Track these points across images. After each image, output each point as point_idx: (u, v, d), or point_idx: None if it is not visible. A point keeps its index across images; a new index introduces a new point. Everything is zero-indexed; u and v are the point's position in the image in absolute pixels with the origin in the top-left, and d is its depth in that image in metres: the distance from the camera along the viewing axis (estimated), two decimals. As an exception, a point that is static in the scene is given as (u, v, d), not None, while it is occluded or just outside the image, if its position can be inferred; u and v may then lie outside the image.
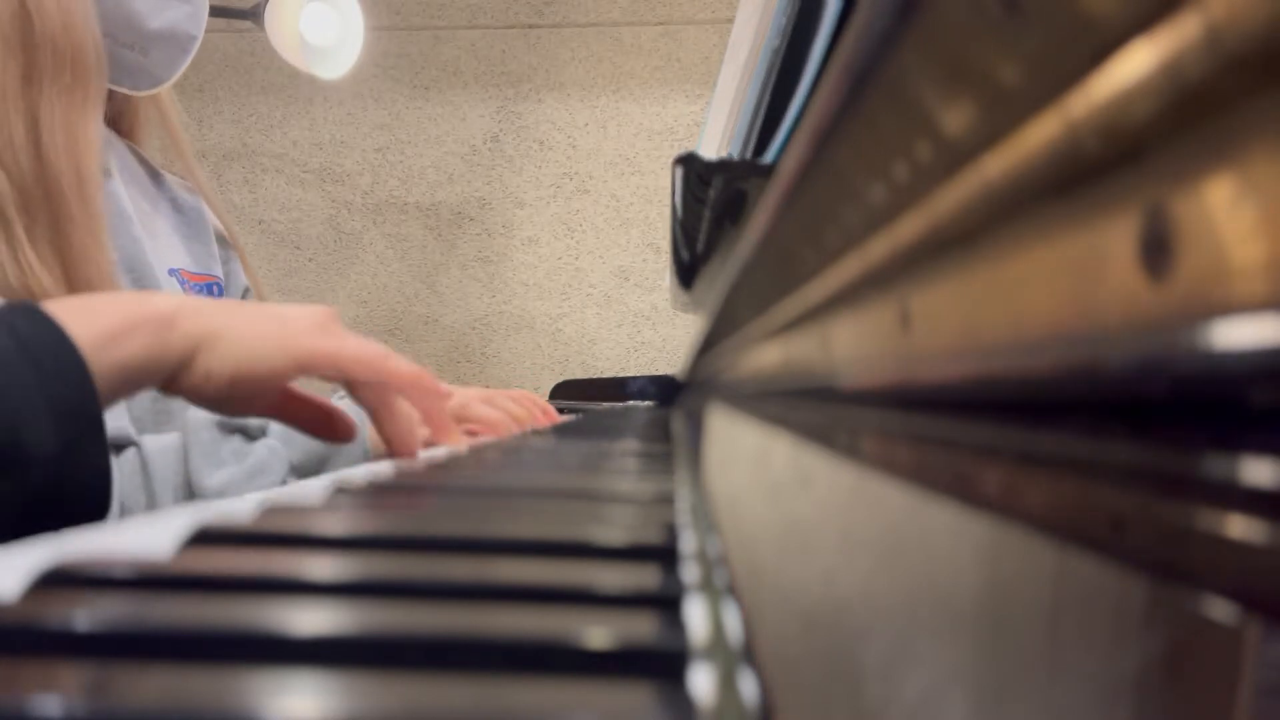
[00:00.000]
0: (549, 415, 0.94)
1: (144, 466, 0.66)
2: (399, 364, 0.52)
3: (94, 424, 0.40)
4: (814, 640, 0.19)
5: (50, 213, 0.63)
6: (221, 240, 0.86)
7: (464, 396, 0.77)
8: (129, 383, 0.45)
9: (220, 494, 0.66)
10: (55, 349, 0.40)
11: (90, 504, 0.40)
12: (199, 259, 0.82)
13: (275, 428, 0.67)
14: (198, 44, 0.77)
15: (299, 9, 1.72)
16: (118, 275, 0.69)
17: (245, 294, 0.87)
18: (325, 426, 0.55)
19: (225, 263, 0.85)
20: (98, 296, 0.47)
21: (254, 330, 0.48)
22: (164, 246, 0.79)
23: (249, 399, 0.50)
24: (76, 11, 0.67)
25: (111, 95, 0.76)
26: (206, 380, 0.47)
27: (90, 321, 0.42)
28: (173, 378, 0.47)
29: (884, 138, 0.17)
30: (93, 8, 0.69)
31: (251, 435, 0.67)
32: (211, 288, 0.82)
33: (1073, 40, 0.10)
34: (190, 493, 0.67)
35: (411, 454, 0.56)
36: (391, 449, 0.56)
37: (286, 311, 0.51)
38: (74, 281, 0.63)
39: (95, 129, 0.68)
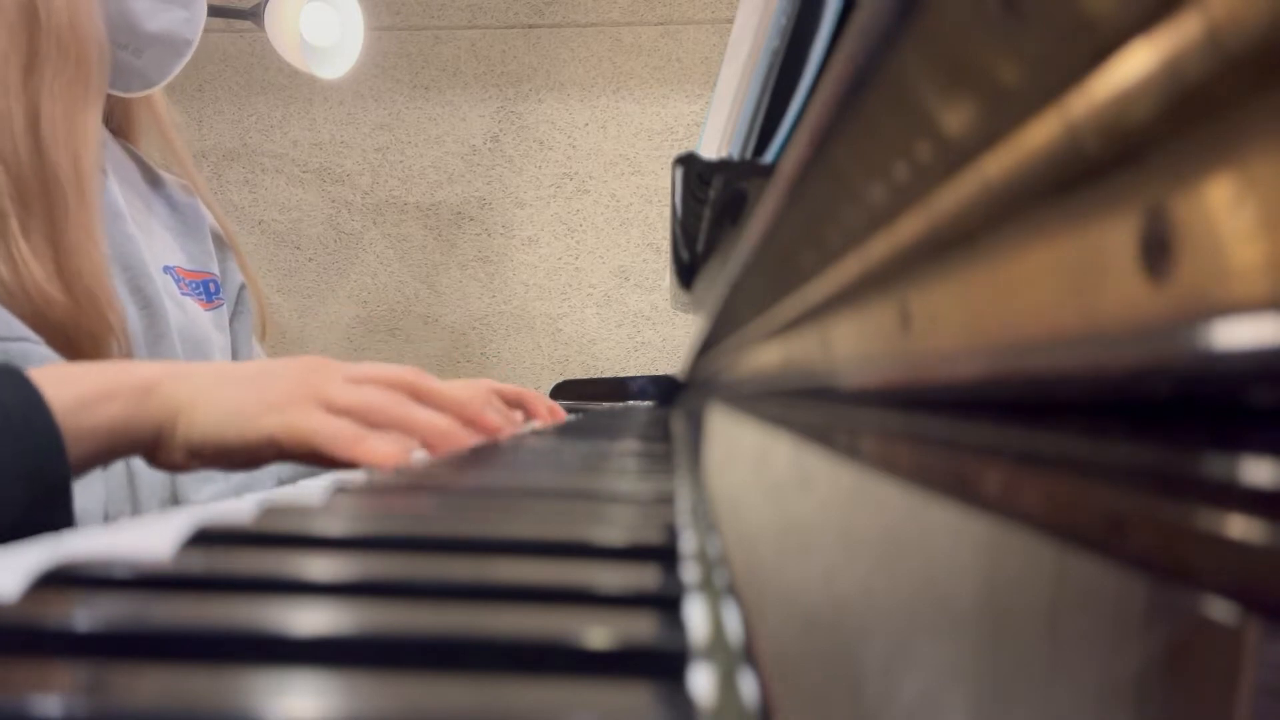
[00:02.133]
0: (555, 413, 0.93)
1: (131, 479, 0.66)
2: (368, 449, 0.49)
3: (62, 490, 0.41)
4: (814, 640, 0.19)
5: (46, 206, 0.63)
6: (217, 238, 0.86)
7: (474, 389, 0.76)
8: (103, 450, 0.45)
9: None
10: (30, 411, 0.40)
11: None
12: (194, 257, 0.82)
13: None
14: (192, 49, 0.77)
15: (299, 9, 1.72)
16: (111, 271, 0.69)
17: (241, 290, 0.86)
18: (328, 463, 0.55)
19: (222, 261, 0.85)
20: (77, 366, 0.47)
21: (232, 398, 0.48)
22: (158, 244, 0.78)
23: (232, 465, 0.50)
24: (83, 7, 0.67)
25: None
26: (188, 456, 0.47)
27: (68, 387, 0.43)
28: (154, 446, 0.47)
29: (884, 138, 0.17)
30: (98, 6, 0.69)
31: None
32: (208, 285, 0.81)
33: (1073, 40, 0.10)
34: (175, 501, 0.67)
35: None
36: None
37: (269, 376, 0.50)
38: (66, 275, 0.63)
39: (95, 124, 0.68)
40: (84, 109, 0.67)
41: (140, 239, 0.74)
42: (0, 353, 0.58)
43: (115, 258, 0.72)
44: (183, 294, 0.77)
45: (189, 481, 0.70)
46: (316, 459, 0.51)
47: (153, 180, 0.83)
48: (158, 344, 0.71)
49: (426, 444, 0.52)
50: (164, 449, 0.47)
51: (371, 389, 0.51)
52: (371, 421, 0.50)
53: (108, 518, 0.63)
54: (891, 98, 0.15)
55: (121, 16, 0.72)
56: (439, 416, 0.52)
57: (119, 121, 0.83)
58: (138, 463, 0.64)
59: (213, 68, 2.19)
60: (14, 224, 0.62)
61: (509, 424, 0.77)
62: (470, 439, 0.54)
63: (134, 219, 0.75)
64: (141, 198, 0.80)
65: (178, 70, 0.77)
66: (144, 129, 0.84)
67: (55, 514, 0.40)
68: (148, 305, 0.72)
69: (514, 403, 0.83)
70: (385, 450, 0.50)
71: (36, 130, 0.64)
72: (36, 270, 0.62)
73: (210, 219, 0.86)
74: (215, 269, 0.83)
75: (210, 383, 0.48)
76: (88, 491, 0.60)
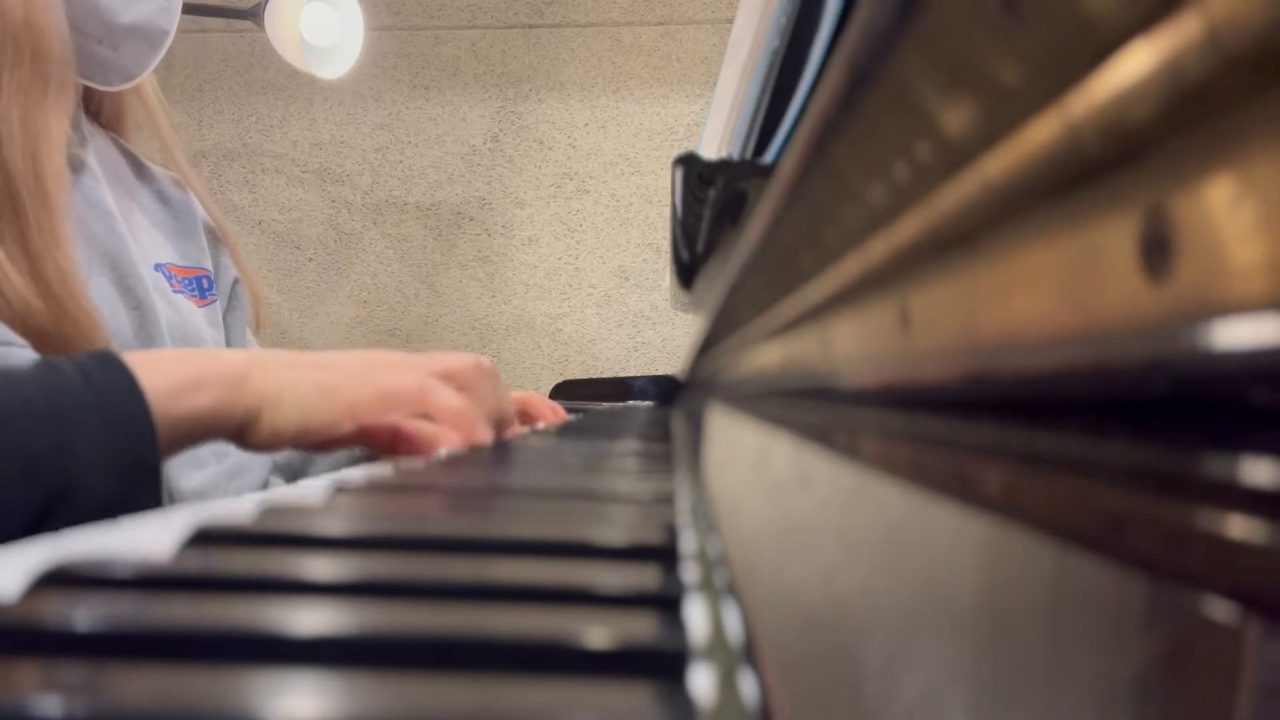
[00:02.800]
0: (557, 413, 0.93)
1: None
2: (444, 440, 0.53)
3: (151, 476, 0.42)
4: (814, 640, 0.19)
5: (13, 211, 0.62)
6: (210, 232, 0.85)
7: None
8: (195, 435, 0.47)
9: (201, 495, 0.66)
10: (124, 398, 0.42)
11: None
12: (186, 253, 0.81)
13: None
14: (169, 38, 0.76)
15: (299, 9, 1.72)
16: (87, 275, 0.68)
17: (235, 284, 0.85)
18: (408, 447, 0.56)
19: (215, 255, 0.84)
20: (175, 352, 0.49)
21: (319, 388, 0.51)
22: (149, 242, 0.77)
23: (320, 446, 0.52)
24: (38, 4, 0.65)
25: (89, 89, 0.75)
26: (274, 437, 0.49)
27: (162, 374, 0.44)
28: (240, 433, 0.49)
29: (884, 138, 0.17)
30: (58, 1, 0.67)
31: None
32: (201, 281, 0.81)
33: (1073, 40, 0.10)
34: (170, 493, 0.66)
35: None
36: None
37: (349, 367, 0.53)
38: (38, 282, 0.62)
39: (58, 126, 0.66)
40: (42, 110, 0.65)
41: (129, 237, 0.73)
42: None
43: (104, 257, 0.71)
44: (175, 291, 0.77)
45: (179, 468, 0.69)
46: (396, 446, 0.54)
47: (143, 175, 0.82)
48: (149, 343, 0.71)
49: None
50: (251, 434, 0.49)
51: (459, 405, 0.55)
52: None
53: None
54: (891, 98, 0.15)
55: (93, 10, 0.70)
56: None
57: (109, 115, 0.81)
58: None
59: (213, 68, 2.19)
60: None
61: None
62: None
63: (123, 216, 0.74)
64: (131, 195, 0.79)
65: (156, 61, 0.76)
66: (135, 122, 0.83)
67: (144, 499, 0.41)
68: (138, 305, 0.71)
69: (521, 412, 0.84)
70: (455, 440, 0.54)
71: None
72: (14, 277, 0.61)
73: (203, 213, 0.85)
74: (208, 264, 0.82)
75: (296, 372, 0.50)
76: None
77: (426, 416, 0.54)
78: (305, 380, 0.50)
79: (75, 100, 0.72)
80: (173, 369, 0.45)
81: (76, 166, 0.72)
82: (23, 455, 0.38)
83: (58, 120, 0.67)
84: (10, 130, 0.63)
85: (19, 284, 0.61)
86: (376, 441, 0.55)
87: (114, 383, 0.41)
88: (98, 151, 0.76)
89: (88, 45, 0.71)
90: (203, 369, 0.46)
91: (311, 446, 0.52)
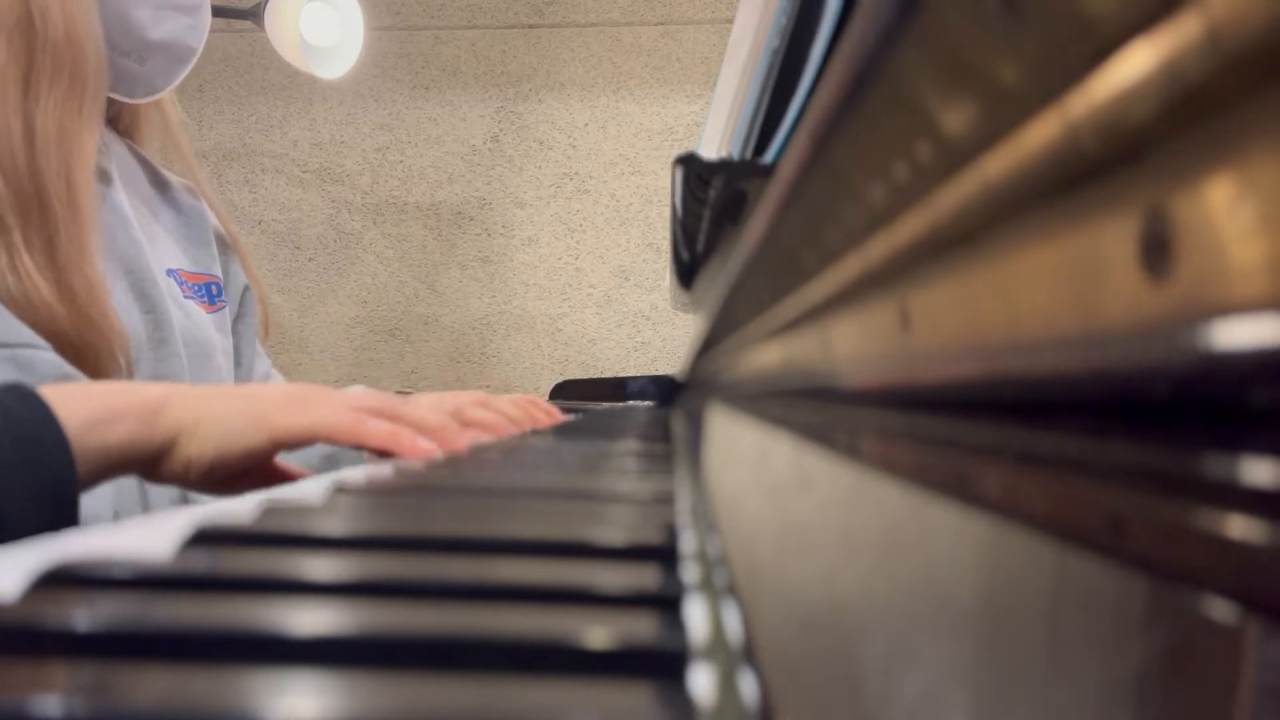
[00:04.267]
0: (552, 415, 0.94)
1: (140, 480, 0.66)
2: (373, 429, 0.52)
3: (69, 508, 0.42)
4: (814, 640, 0.19)
5: (42, 220, 0.63)
6: (221, 240, 0.86)
7: (458, 401, 0.77)
8: (112, 467, 0.46)
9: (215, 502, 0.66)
10: (42, 430, 0.41)
11: None
12: (197, 259, 0.82)
13: None
14: (197, 56, 0.77)
15: (299, 9, 1.72)
16: (110, 284, 0.69)
17: (245, 292, 0.86)
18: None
19: (225, 263, 0.85)
20: (88, 386, 0.48)
21: (229, 412, 0.50)
22: (161, 248, 0.78)
23: (232, 480, 0.51)
24: (79, 18, 0.66)
25: (110, 99, 0.76)
26: (187, 468, 0.49)
27: (79, 407, 0.44)
28: (154, 465, 0.48)
29: (884, 138, 0.17)
30: (96, 15, 0.68)
31: None
32: (210, 287, 0.81)
33: (1073, 40, 0.10)
34: (185, 501, 0.67)
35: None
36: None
37: (264, 391, 0.53)
38: (63, 291, 0.63)
39: (90, 138, 0.68)
40: (77, 123, 0.66)
41: (145, 244, 0.74)
42: (9, 358, 0.59)
43: (120, 263, 0.72)
44: (185, 297, 0.77)
45: None
46: (323, 442, 0.53)
47: (158, 183, 0.83)
48: (162, 347, 0.72)
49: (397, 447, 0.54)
50: (165, 465, 0.49)
51: (359, 397, 0.55)
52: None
53: (117, 515, 0.63)
54: (891, 97, 0.15)
55: (124, 25, 0.71)
56: (392, 429, 0.54)
57: (126, 123, 0.82)
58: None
59: (213, 68, 2.19)
60: (17, 237, 0.62)
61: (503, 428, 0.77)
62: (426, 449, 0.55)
63: (139, 223, 0.75)
64: (146, 202, 0.80)
65: (182, 76, 0.77)
66: (151, 130, 0.84)
67: (63, 529, 0.41)
68: (152, 310, 0.72)
69: (520, 419, 0.84)
70: (383, 431, 0.52)
71: (31, 144, 0.64)
72: (40, 283, 0.62)
73: (214, 221, 0.86)
74: (218, 271, 0.83)
75: (208, 402, 0.50)
76: (96, 492, 0.61)
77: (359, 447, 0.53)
78: (225, 409, 0.50)
79: (105, 113, 0.73)
80: (89, 402, 0.45)
81: (99, 175, 0.72)
82: None
83: (91, 133, 0.68)
84: (46, 142, 0.64)
85: (45, 291, 0.62)
86: (290, 475, 0.54)
87: (31, 414, 0.41)
88: (116, 159, 0.77)
89: (117, 59, 0.72)
90: (119, 401, 0.46)
91: (223, 481, 0.51)
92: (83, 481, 0.43)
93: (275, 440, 0.50)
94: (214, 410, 0.49)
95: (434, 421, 0.56)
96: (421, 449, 0.54)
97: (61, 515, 0.41)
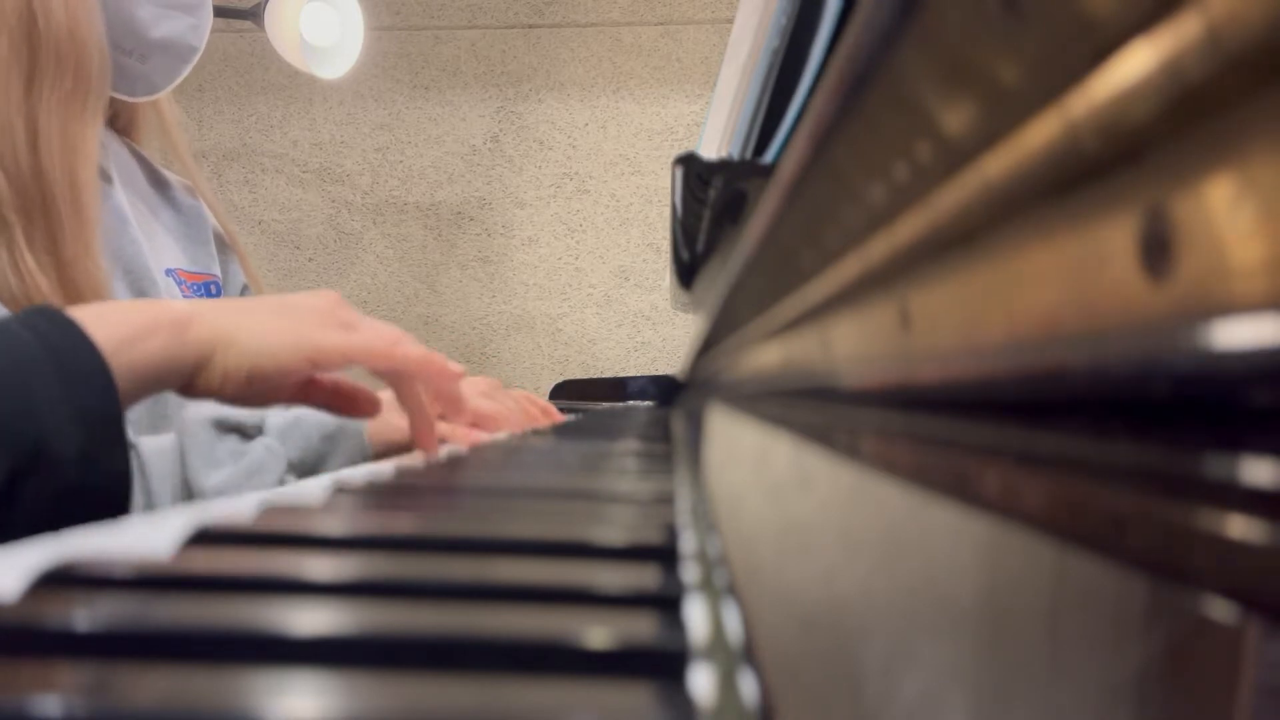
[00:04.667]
0: (550, 414, 0.94)
1: (142, 468, 0.66)
2: (407, 351, 0.53)
3: (115, 426, 0.42)
4: (814, 640, 0.19)
5: (45, 218, 0.63)
6: (220, 239, 0.86)
7: (466, 389, 0.77)
8: (148, 384, 0.46)
9: (218, 494, 0.66)
10: (79, 352, 0.41)
11: (110, 504, 0.42)
12: (196, 259, 0.82)
13: (272, 426, 0.67)
14: (198, 55, 0.77)
15: (299, 9, 1.72)
16: (111, 283, 0.69)
17: (243, 291, 0.87)
18: (348, 404, 0.57)
19: (224, 262, 0.85)
20: (115, 303, 0.48)
21: (266, 329, 0.50)
22: (160, 247, 0.78)
23: (267, 393, 0.52)
24: (83, 17, 0.66)
25: (110, 98, 0.76)
26: (225, 381, 0.49)
27: (110, 325, 0.44)
28: (190, 380, 0.48)
29: (884, 138, 0.17)
30: (99, 14, 0.68)
31: (248, 434, 0.67)
32: (209, 287, 0.81)
33: (1073, 40, 0.10)
34: (188, 493, 0.67)
35: (428, 442, 0.58)
36: (412, 435, 0.59)
37: (297, 304, 0.53)
38: (67, 288, 0.63)
39: (93, 137, 0.68)
40: (81, 122, 0.66)
41: (144, 243, 0.74)
42: None
43: (119, 262, 0.72)
44: (184, 296, 0.78)
45: (198, 467, 0.70)
46: (337, 403, 0.55)
47: (157, 182, 0.83)
48: None
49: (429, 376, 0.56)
50: (201, 379, 0.48)
51: (386, 325, 0.56)
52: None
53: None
54: (891, 98, 0.15)
55: (125, 23, 0.72)
56: (427, 352, 0.56)
57: (124, 122, 0.83)
58: (147, 452, 0.65)
59: (213, 68, 2.18)
60: (19, 235, 0.62)
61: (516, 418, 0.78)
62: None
63: (138, 223, 0.75)
64: (145, 201, 0.80)
65: (183, 76, 0.77)
66: (148, 128, 0.84)
67: (111, 449, 0.41)
68: None
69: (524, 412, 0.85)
70: (417, 354, 0.54)
71: (35, 143, 0.64)
72: (42, 282, 0.62)
73: (213, 220, 0.86)
74: (217, 271, 0.83)
75: (242, 315, 0.50)
76: None
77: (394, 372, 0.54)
78: (263, 323, 0.50)
79: (106, 111, 0.73)
80: (120, 319, 0.45)
81: (100, 174, 0.73)
82: None
83: (93, 131, 0.68)
84: (49, 140, 0.64)
85: (46, 290, 0.62)
86: (316, 397, 0.55)
87: (66, 339, 0.41)
88: (115, 158, 0.77)
89: (118, 58, 0.72)
90: (149, 317, 0.46)
91: (259, 394, 0.51)
92: (124, 399, 0.43)
93: (313, 361, 0.50)
94: (251, 323, 0.49)
95: (456, 370, 0.57)
96: (452, 371, 0.55)
97: (109, 438, 0.41)
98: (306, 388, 0.55)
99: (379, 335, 0.53)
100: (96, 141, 0.69)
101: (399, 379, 0.56)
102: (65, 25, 0.65)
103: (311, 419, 0.67)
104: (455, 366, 0.56)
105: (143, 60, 0.74)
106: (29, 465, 0.38)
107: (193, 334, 0.47)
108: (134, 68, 0.74)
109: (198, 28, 0.76)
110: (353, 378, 0.58)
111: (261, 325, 0.50)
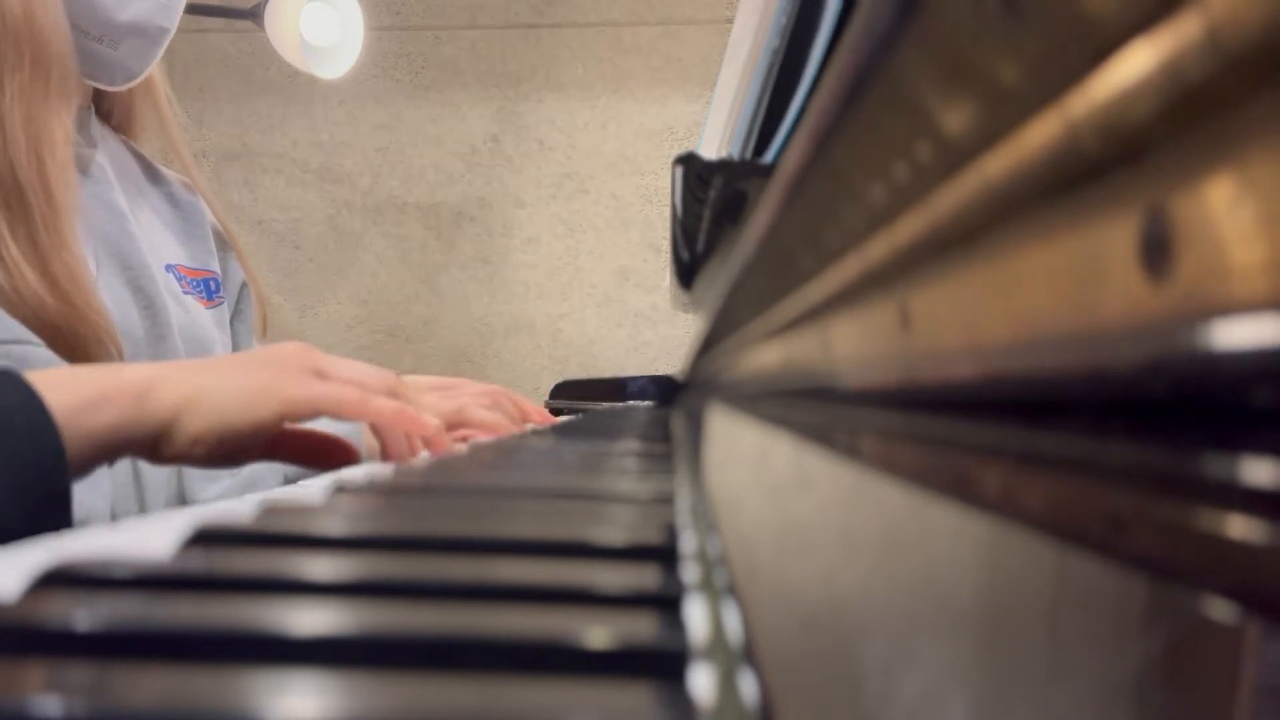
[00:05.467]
0: (541, 415, 0.93)
1: (137, 478, 0.66)
2: (380, 406, 0.52)
3: (61, 493, 0.41)
4: (814, 640, 0.19)
5: (21, 209, 0.62)
6: (218, 236, 0.85)
7: (459, 394, 0.77)
8: (103, 451, 0.45)
9: None
10: (30, 416, 0.40)
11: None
12: (195, 255, 0.82)
13: None
14: (169, 36, 0.75)
15: (299, 9, 1.72)
16: (106, 280, 0.68)
17: (243, 288, 0.86)
18: (323, 456, 0.56)
19: (223, 259, 0.85)
20: (78, 368, 0.47)
21: (230, 386, 0.49)
22: (159, 243, 0.78)
23: (238, 453, 0.50)
24: (39, 3, 0.65)
25: (98, 91, 0.75)
26: (194, 445, 0.48)
27: (66, 391, 0.43)
28: (155, 446, 0.47)
29: (884, 138, 0.17)
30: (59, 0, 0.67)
31: None
32: (208, 283, 0.81)
33: (1073, 40, 0.10)
34: (183, 505, 0.66)
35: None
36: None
37: (265, 357, 0.52)
38: (49, 280, 0.62)
39: (60, 126, 0.66)
40: (45, 110, 0.65)
41: (141, 238, 0.74)
42: (3, 355, 0.58)
43: (117, 257, 0.71)
44: (184, 292, 0.77)
45: (195, 479, 0.70)
46: (308, 456, 0.54)
47: (154, 177, 0.83)
48: (160, 343, 0.71)
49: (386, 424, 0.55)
50: (167, 445, 0.47)
51: (358, 367, 0.54)
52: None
53: (114, 516, 0.63)
54: (891, 97, 0.15)
55: (90, 9, 0.70)
56: (398, 406, 0.55)
57: (119, 117, 0.82)
58: (144, 464, 0.64)
59: (213, 68, 2.18)
60: (3, 227, 0.61)
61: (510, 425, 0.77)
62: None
63: (135, 217, 0.75)
64: (142, 196, 0.80)
65: (157, 58, 0.76)
66: (146, 123, 0.84)
67: (56, 518, 0.40)
68: (150, 305, 0.71)
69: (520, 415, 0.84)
70: (388, 409, 0.52)
71: (1, 131, 0.63)
72: (28, 273, 0.61)
73: (211, 217, 0.85)
74: (216, 267, 0.83)
75: (206, 376, 0.49)
76: (94, 490, 0.60)
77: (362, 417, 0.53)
78: (225, 381, 0.49)
79: (81, 100, 0.72)
80: (74, 385, 0.44)
81: (88, 168, 0.72)
82: None
83: (60, 120, 0.66)
84: (14, 131, 0.63)
85: (32, 280, 0.61)
86: (287, 449, 0.54)
87: (18, 400, 0.40)
88: (109, 153, 0.76)
89: (88, 44, 0.71)
90: (104, 384, 0.45)
91: (230, 455, 0.50)
92: (75, 467, 0.42)
93: (283, 414, 0.50)
94: (214, 383, 0.48)
95: (429, 422, 0.56)
96: (426, 424, 0.54)
97: (55, 503, 0.40)
98: (280, 444, 0.54)
99: (352, 383, 0.52)
100: (65, 130, 0.67)
101: (375, 426, 0.56)
102: (19, 10, 0.64)
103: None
104: (429, 419, 0.54)
105: (114, 46, 0.73)
106: None
107: (154, 400, 0.46)
108: (105, 54, 0.73)
109: (167, 7, 0.74)
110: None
111: (226, 383, 0.49)
